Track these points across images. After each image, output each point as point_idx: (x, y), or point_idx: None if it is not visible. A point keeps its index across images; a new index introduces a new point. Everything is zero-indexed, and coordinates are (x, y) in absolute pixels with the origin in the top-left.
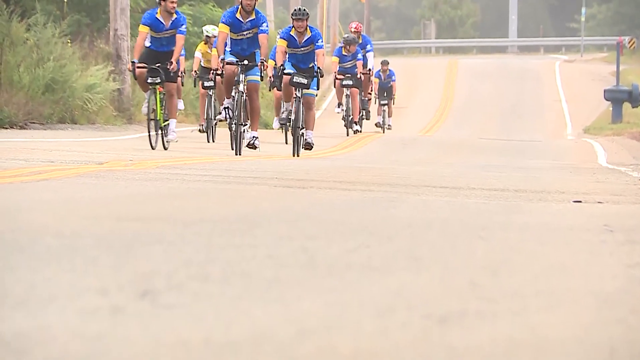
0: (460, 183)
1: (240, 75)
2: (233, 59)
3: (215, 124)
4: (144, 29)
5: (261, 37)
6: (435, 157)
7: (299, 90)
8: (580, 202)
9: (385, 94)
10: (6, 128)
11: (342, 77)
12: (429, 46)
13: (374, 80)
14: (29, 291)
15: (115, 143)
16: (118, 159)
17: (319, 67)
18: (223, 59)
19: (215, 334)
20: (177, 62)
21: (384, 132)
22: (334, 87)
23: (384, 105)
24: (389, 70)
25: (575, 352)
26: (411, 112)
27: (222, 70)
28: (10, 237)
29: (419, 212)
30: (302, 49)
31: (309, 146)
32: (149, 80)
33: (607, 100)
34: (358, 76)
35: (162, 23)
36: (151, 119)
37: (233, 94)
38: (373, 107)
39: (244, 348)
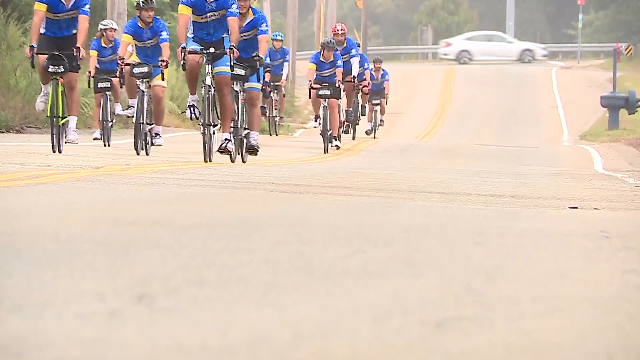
0: (456, 189)
1: (207, 67)
2: (197, 47)
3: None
4: (40, 7)
5: (231, 20)
6: (431, 163)
7: (237, 84)
8: (576, 208)
9: (377, 94)
10: (3, 132)
11: (318, 86)
12: (426, 52)
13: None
14: (26, 295)
15: (112, 147)
16: (114, 163)
17: (260, 56)
18: (184, 47)
19: (212, 338)
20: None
21: (374, 137)
22: (309, 97)
23: (376, 104)
24: (382, 69)
25: (571, 357)
26: (408, 117)
27: (184, 61)
28: (7, 241)
29: (415, 218)
30: (244, 34)
31: (253, 150)
32: (50, 70)
33: (603, 106)
34: (337, 85)
35: (62, 2)
36: (54, 117)
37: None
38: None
39: (241, 352)
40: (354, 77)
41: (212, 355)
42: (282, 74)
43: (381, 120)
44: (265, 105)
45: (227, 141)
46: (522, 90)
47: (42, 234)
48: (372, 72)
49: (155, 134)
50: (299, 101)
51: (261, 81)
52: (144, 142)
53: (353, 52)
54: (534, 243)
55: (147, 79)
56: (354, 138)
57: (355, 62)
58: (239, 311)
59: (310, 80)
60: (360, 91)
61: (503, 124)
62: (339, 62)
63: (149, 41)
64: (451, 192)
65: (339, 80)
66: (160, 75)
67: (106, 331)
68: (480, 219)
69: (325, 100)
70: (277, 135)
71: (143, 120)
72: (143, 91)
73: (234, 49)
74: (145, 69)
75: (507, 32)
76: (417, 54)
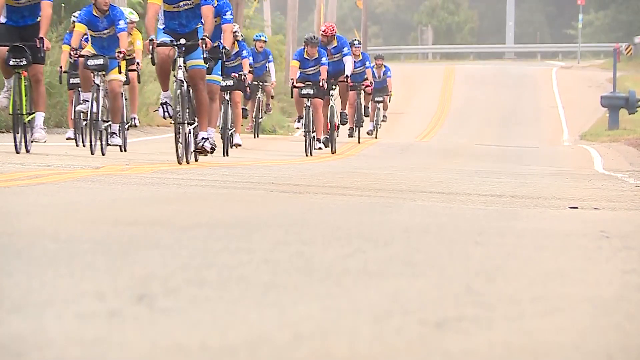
0: (456, 189)
1: (179, 60)
2: (167, 38)
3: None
4: None
5: (205, 9)
6: (431, 163)
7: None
8: (576, 208)
9: (380, 91)
10: (3, 132)
11: (301, 85)
12: (426, 52)
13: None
14: (26, 295)
15: (112, 147)
16: (114, 163)
17: (224, 47)
18: (153, 40)
19: (212, 338)
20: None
21: (376, 137)
22: (292, 97)
23: (378, 102)
24: (385, 66)
25: (571, 357)
26: (408, 117)
27: (153, 54)
28: (7, 241)
29: (415, 218)
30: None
31: (203, 150)
32: (11, 63)
33: (603, 106)
34: (320, 84)
35: None
36: (17, 114)
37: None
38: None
39: (240, 352)
40: (346, 76)
41: (212, 355)
42: (266, 75)
43: (384, 116)
44: (247, 107)
45: (204, 140)
46: (522, 90)
47: (42, 234)
48: (374, 70)
49: (112, 133)
50: None
51: (236, 76)
52: (100, 141)
53: (345, 50)
54: (534, 243)
55: (103, 72)
56: (359, 142)
57: (348, 60)
58: (239, 311)
59: (292, 79)
60: (362, 91)
61: (503, 124)
62: (324, 60)
63: (105, 31)
64: (451, 192)
65: (324, 79)
66: (117, 68)
67: (106, 331)
68: (480, 219)
69: (308, 100)
70: (258, 136)
71: (98, 117)
72: (98, 85)
73: (207, 40)
74: (100, 61)
75: (507, 32)
76: (417, 54)
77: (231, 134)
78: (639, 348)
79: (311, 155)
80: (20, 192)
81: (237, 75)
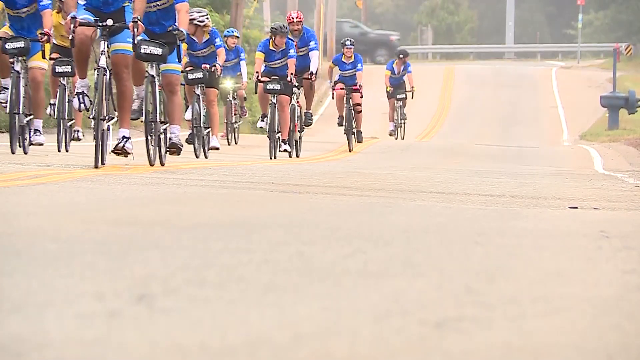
0: (456, 189)
1: (102, 43)
2: (89, 17)
3: (71, 125)
4: None
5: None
6: (431, 163)
7: (152, 67)
8: (576, 208)
9: (401, 87)
10: (2, 132)
11: (266, 79)
12: (425, 52)
13: (386, 72)
14: (26, 295)
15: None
16: (114, 164)
17: (177, 28)
18: (74, 17)
19: (212, 338)
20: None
21: (396, 138)
22: (256, 92)
23: (400, 99)
24: (406, 62)
25: (571, 358)
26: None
27: (73, 35)
28: (7, 241)
29: (415, 218)
30: (158, 2)
31: (175, 148)
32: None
33: (603, 106)
34: (288, 79)
35: None
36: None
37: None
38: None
39: (240, 353)
40: (311, 73)
41: (211, 356)
42: (239, 76)
43: (404, 114)
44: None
45: (125, 140)
46: (522, 91)
47: (42, 234)
48: (394, 66)
49: (35, 129)
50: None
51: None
52: (20, 138)
53: (312, 44)
54: (534, 243)
55: (23, 57)
56: (350, 150)
57: (314, 56)
58: (239, 311)
59: (257, 72)
60: (351, 95)
61: (503, 124)
62: (292, 52)
63: (24, 9)
64: (451, 192)
65: (292, 74)
66: (40, 53)
67: (106, 331)
68: (480, 219)
69: (274, 97)
70: (236, 144)
71: (19, 109)
72: (18, 72)
73: (139, 23)
74: (20, 44)
75: (507, 32)
76: (417, 54)
77: (207, 134)
78: (639, 348)
79: (275, 158)
80: (20, 192)
81: (207, 66)
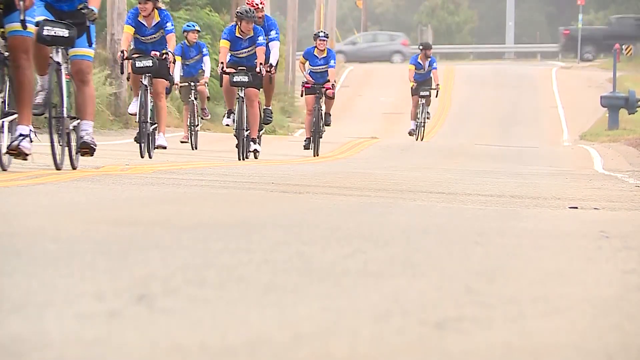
0: (456, 189)
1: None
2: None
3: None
4: None
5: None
6: (431, 163)
7: (57, 52)
8: (576, 208)
9: (425, 84)
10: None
11: (232, 70)
12: None
13: (409, 67)
14: (26, 296)
15: (112, 147)
16: (114, 163)
17: (90, 8)
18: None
19: (211, 338)
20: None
21: (416, 138)
22: (221, 85)
23: (423, 97)
24: (431, 57)
25: (571, 358)
26: (408, 117)
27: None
28: (7, 241)
29: (415, 218)
30: None
31: (87, 148)
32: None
33: (603, 106)
34: (258, 70)
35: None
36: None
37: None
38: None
39: (240, 353)
40: (270, 65)
41: (211, 356)
42: (200, 75)
43: (427, 113)
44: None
45: (21, 138)
46: (522, 91)
47: (42, 234)
48: (419, 61)
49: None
50: (298, 102)
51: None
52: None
53: (273, 34)
54: (533, 243)
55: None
56: (315, 154)
57: (275, 46)
58: (239, 311)
59: (222, 63)
60: (324, 95)
61: (503, 124)
62: (261, 39)
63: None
64: (451, 192)
65: (261, 63)
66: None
67: (106, 331)
68: (480, 219)
69: (241, 90)
70: (196, 149)
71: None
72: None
73: (94, 15)
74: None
75: (507, 32)
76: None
77: (153, 130)
78: (639, 348)
79: (247, 158)
80: (20, 192)
81: (157, 53)
